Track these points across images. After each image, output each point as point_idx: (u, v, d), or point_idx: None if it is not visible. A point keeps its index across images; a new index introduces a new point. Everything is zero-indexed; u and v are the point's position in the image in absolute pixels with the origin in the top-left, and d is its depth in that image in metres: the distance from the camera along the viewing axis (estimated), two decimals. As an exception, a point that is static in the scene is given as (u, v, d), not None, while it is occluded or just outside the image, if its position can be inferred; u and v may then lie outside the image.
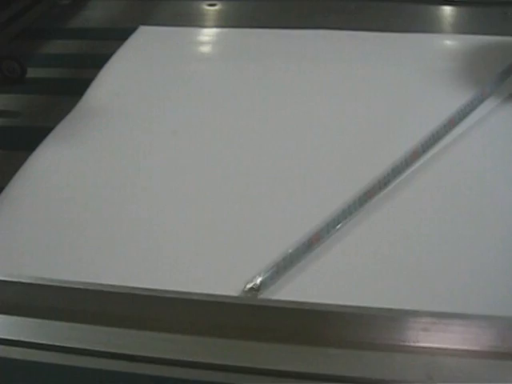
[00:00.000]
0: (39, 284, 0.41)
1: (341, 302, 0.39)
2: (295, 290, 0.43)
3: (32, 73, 0.72)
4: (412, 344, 0.38)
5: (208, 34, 0.86)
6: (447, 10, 0.89)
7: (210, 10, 0.92)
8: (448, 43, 0.80)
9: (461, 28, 0.84)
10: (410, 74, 0.70)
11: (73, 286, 0.40)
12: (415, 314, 0.39)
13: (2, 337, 0.40)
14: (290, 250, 0.45)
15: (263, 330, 0.39)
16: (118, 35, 0.81)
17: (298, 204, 0.50)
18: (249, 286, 0.42)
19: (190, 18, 0.89)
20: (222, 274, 0.44)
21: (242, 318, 0.40)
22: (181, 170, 0.54)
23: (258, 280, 0.43)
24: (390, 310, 0.39)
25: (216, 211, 0.50)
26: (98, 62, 0.73)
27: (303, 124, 0.61)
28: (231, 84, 0.69)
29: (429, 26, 0.84)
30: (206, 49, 0.83)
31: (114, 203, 0.51)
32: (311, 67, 0.72)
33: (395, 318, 0.39)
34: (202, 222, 0.49)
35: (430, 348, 0.38)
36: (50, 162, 0.56)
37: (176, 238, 0.47)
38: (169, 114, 0.63)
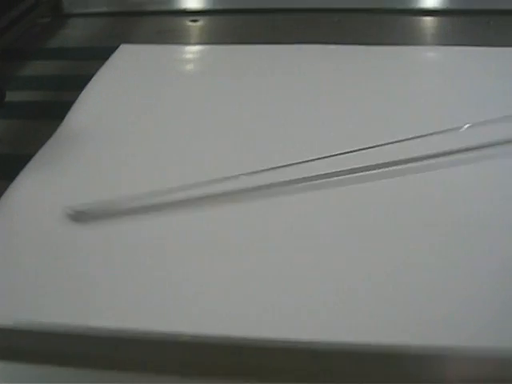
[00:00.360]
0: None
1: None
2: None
3: (11, 96, 0.70)
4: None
5: (191, 52, 0.84)
6: (431, 20, 0.89)
7: (193, 26, 0.91)
8: (433, 55, 0.80)
9: (444, 39, 0.83)
10: (396, 87, 0.69)
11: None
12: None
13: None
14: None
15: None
16: (98, 54, 0.80)
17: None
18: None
19: (173, 35, 0.88)
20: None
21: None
22: (168, 195, 0.53)
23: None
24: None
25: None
26: (79, 83, 0.71)
27: (289, 139, 0.60)
28: (216, 102, 0.68)
29: (415, 37, 0.83)
30: (189, 67, 0.82)
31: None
32: (296, 82, 0.71)
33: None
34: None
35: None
36: (31, 192, 0.54)
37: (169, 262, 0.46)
38: (154, 137, 0.62)
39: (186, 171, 0.56)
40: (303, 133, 0.61)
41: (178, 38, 0.87)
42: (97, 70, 0.75)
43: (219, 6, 0.97)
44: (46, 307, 0.43)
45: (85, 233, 0.49)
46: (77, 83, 0.71)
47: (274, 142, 0.60)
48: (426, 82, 0.71)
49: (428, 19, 0.89)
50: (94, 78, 0.72)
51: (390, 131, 0.59)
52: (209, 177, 0.53)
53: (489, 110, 0.61)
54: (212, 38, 0.88)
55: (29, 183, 0.55)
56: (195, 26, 0.91)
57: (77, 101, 0.68)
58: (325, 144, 0.58)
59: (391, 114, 0.64)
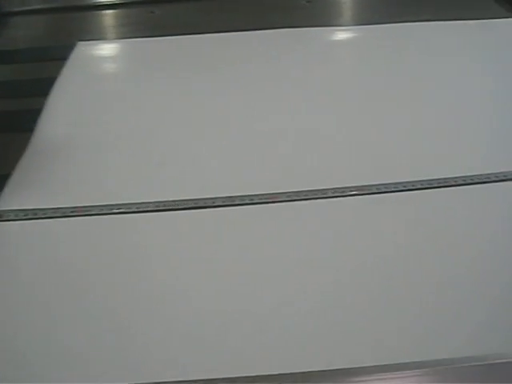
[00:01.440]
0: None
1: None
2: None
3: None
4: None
5: (152, 45, 0.78)
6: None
7: (151, 17, 0.84)
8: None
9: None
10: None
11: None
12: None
13: None
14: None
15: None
16: (52, 54, 0.73)
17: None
18: None
19: (131, 29, 0.81)
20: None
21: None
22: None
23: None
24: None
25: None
26: (41, 87, 0.64)
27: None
28: (184, 95, 0.64)
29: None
30: (152, 61, 0.75)
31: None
32: (263, 69, 0.68)
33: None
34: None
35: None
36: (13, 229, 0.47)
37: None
38: (136, 139, 0.57)
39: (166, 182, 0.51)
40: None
41: (136, 31, 0.81)
42: (55, 71, 0.68)
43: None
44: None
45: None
46: (38, 88, 0.64)
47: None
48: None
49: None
50: (58, 82, 0.65)
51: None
52: (182, 186, 0.49)
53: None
54: (171, 29, 0.82)
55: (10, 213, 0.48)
56: (154, 16, 0.84)
57: (44, 108, 0.61)
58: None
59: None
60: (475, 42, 0.73)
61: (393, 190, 0.48)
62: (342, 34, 0.80)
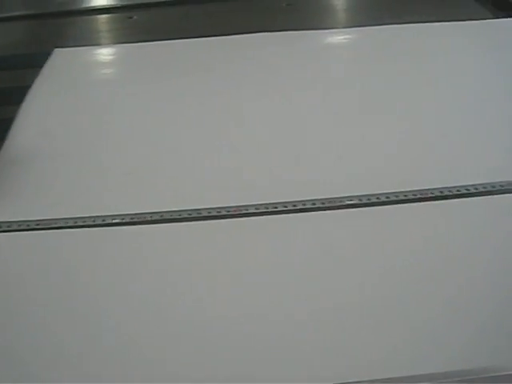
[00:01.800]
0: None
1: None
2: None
3: None
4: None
5: (130, 51, 0.77)
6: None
7: (129, 23, 0.83)
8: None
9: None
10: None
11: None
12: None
13: None
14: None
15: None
16: (28, 62, 0.72)
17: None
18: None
19: (109, 34, 0.80)
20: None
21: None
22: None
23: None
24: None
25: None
26: (15, 96, 0.63)
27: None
28: (163, 102, 0.63)
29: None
30: (131, 68, 0.75)
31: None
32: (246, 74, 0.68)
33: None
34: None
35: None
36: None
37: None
38: (103, 150, 0.56)
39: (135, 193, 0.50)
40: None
41: (113, 37, 0.80)
42: (30, 80, 0.67)
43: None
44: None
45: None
46: (11, 97, 0.63)
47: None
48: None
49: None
50: (32, 90, 0.64)
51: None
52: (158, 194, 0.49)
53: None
54: (149, 35, 0.81)
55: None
56: (131, 22, 0.83)
57: (16, 118, 0.60)
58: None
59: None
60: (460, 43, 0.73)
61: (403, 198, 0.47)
62: (323, 37, 0.79)
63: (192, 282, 0.41)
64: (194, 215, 0.46)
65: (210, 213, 0.46)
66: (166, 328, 0.37)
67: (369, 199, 0.46)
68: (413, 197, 0.47)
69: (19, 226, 0.46)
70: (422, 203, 0.46)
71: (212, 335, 0.37)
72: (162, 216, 0.46)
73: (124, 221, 0.46)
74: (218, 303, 0.39)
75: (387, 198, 0.47)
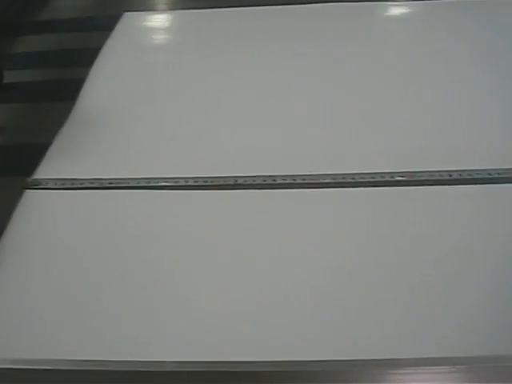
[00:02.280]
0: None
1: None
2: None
3: (10, 77, 0.61)
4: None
5: (199, 17, 0.76)
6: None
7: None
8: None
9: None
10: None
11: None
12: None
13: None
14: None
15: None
16: (99, 25, 0.71)
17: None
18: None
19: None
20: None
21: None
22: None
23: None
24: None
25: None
26: (85, 58, 0.63)
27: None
28: (230, 71, 0.61)
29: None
30: (199, 34, 0.73)
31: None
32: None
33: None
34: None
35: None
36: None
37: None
38: (169, 117, 0.55)
39: (201, 157, 0.49)
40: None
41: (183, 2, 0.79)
42: (101, 42, 0.66)
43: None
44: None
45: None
46: (82, 58, 0.63)
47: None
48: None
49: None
50: (102, 52, 0.64)
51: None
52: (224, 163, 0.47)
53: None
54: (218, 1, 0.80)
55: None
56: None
57: (87, 79, 0.60)
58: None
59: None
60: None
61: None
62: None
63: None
64: (267, 182, 0.45)
65: (284, 180, 0.45)
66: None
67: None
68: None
69: (91, 183, 0.46)
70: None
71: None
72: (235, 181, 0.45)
73: (198, 184, 0.45)
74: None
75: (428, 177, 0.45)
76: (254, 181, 0.45)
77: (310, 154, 0.49)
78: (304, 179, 0.45)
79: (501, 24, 0.66)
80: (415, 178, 0.45)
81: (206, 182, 0.45)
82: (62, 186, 0.46)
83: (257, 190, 0.45)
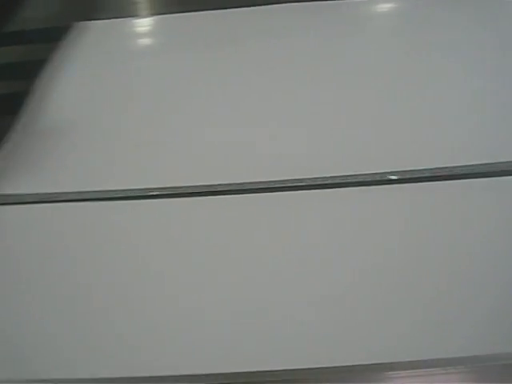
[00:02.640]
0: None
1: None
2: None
3: None
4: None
5: (151, 24, 0.76)
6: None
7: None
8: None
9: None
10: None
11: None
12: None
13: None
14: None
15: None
16: (50, 36, 0.70)
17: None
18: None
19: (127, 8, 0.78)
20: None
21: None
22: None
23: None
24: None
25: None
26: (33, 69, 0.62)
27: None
28: (187, 82, 0.61)
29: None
30: (151, 41, 0.74)
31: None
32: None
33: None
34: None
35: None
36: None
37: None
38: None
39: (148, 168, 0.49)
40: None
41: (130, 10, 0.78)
42: (49, 53, 0.65)
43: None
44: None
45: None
46: (30, 70, 0.62)
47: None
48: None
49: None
50: (49, 64, 0.63)
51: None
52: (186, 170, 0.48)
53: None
54: (163, 8, 0.79)
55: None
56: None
57: (32, 91, 0.59)
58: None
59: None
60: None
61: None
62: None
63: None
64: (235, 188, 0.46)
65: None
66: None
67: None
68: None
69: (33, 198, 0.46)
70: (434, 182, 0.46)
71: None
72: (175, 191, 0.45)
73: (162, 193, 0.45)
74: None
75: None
76: (242, 186, 0.46)
77: (296, 155, 0.49)
78: (296, 182, 0.46)
79: (495, 19, 0.67)
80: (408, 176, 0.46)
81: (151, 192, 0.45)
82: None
83: (248, 195, 0.46)
